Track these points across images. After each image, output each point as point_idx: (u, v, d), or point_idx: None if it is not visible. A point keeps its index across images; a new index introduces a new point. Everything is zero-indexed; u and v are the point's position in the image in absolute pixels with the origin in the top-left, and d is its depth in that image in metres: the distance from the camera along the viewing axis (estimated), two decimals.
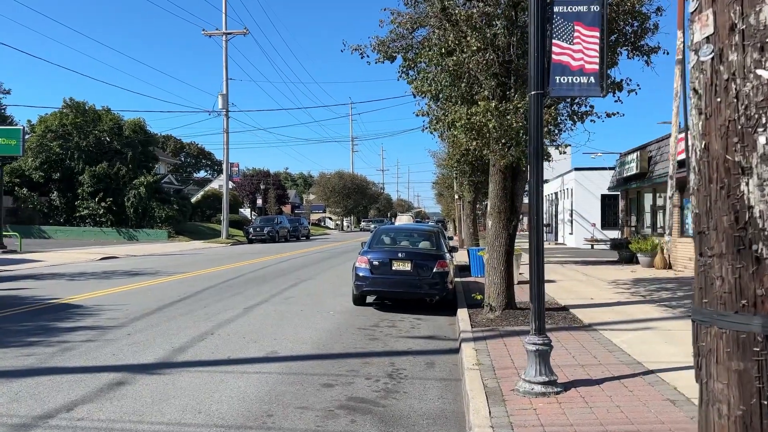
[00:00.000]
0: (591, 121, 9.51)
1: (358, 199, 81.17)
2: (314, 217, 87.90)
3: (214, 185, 72.11)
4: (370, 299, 11.73)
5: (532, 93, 5.52)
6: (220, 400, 5.49)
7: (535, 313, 5.50)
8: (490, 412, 4.92)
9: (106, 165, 40.38)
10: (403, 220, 60.52)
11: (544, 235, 33.56)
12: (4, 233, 27.43)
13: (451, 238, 24.77)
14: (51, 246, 31.20)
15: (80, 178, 40.44)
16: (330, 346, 7.96)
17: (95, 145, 41.11)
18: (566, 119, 9.76)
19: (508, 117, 8.09)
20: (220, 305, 11.24)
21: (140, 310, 10.58)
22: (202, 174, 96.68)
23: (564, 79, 5.55)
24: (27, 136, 42.01)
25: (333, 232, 72.14)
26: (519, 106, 8.14)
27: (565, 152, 9.37)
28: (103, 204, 40.30)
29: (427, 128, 9.95)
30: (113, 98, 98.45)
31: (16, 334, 8.42)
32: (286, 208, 79.73)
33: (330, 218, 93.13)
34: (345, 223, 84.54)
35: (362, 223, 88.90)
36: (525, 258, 16.63)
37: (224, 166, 43.22)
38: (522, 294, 11.15)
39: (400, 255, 10.91)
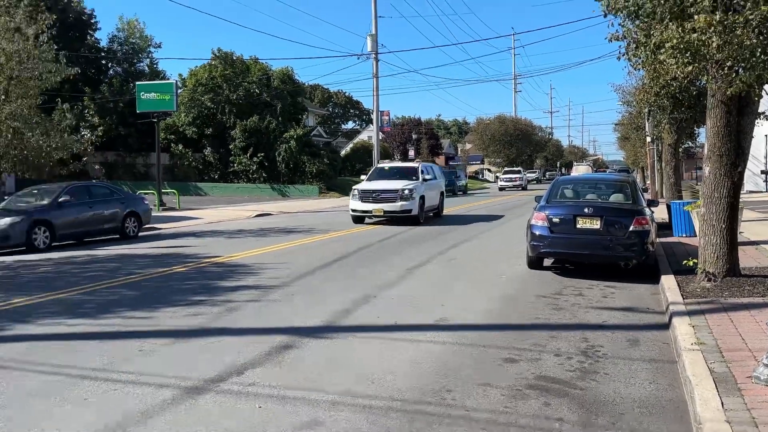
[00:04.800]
0: None
1: (521, 147, 78.75)
2: (471, 169, 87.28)
3: (363, 137, 74.37)
4: (547, 262, 11.29)
5: None
6: (393, 371, 5.55)
7: None
8: (722, 404, 4.42)
9: (256, 118, 43.28)
10: (581, 170, 58.11)
11: (764, 185, 29.99)
12: (162, 191, 30.68)
13: (645, 190, 23.07)
14: (207, 203, 34.36)
15: (232, 133, 43.83)
16: (507, 316, 7.77)
17: (245, 97, 44.13)
18: None
19: (738, 32, 7.05)
20: (379, 266, 11.52)
21: (300, 269, 11.18)
22: (350, 125, 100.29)
23: None
24: (179, 91, 46.33)
25: (493, 186, 71.16)
26: (751, 18, 7.07)
27: None
28: (255, 159, 43.45)
29: (623, 55, 9.07)
30: (261, 47, 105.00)
31: (182, 292, 9.30)
32: (440, 160, 79.96)
33: (489, 170, 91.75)
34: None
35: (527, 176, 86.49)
36: (744, 214, 14.96)
37: (374, 115, 44.15)
38: (745, 258, 10.03)
39: (586, 210, 10.25)
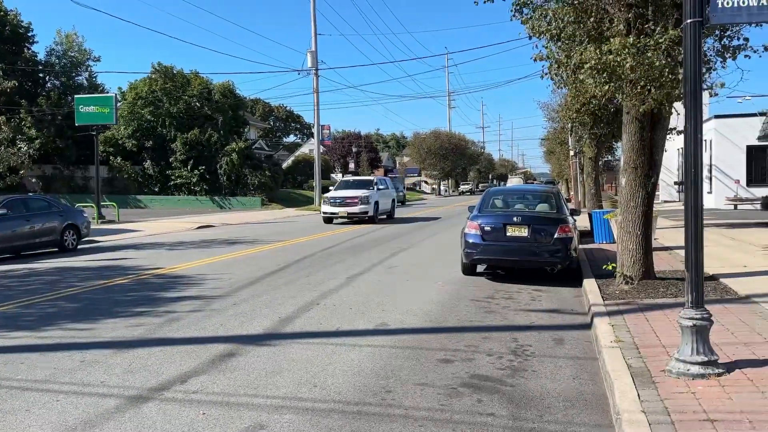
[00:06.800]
0: (745, 56, 8.64)
1: (456, 160, 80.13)
2: (409, 181, 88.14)
3: (305, 150, 74.09)
4: (480, 268, 11.55)
5: (688, 21, 5.01)
6: (335, 374, 5.59)
7: (691, 283, 5.10)
8: (639, 396, 4.66)
9: (197, 131, 42.45)
10: (514, 182, 60.51)
11: (677, 195, 31.35)
12: (101, 203, 29.66)
13: (568, 201, 23.92)
14: (147, 215, 33.42)
15: (173, 146, 42.83)
16: (443, 319, 7.91)
17: (185, 110, 43.26)
18: (714, 56, 8.93)
19: (649, 54, 7.48)
20: (321, 274, 11.51)
21: (243, 279, 11.06)
22: (291, 138, 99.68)
23: (728, 2, 4.98)
24: (119, 104, 45.16)
25: (430, 197, 72.12)
26: (661, 41, 7.51)
27: (717, 94, 8.57)
28: (196, 172, 42.60)
29: (546, 74, 9.44)
30: (201, 61, 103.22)
31: (123, 304, 9.05)
32: (379, 172, 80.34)
33: (426, 182, 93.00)
34: (442, 187, 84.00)
35: (461, 187, 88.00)
36: (659, 222, 15.74)
37: (315, 129, 44.07)
38: (659, 262, 10.54)
39: (515, 219, 10.57)
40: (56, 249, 16.52)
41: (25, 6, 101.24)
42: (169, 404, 4.92)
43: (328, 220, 25.27)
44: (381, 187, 26.96)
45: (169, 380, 5.48)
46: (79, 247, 17.25)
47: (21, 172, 33.86)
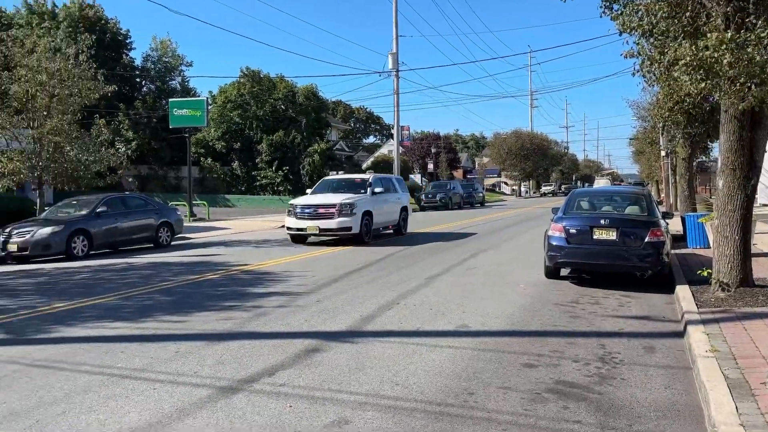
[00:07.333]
0: None
1: (537, 160, 78.40)
2: (488, 182, 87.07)
3: (384, 150, 74.67)
4: (564, 272, 11.26)
5: None
6: (416, 373, 5.62)
7: None
8: (737, 408, 4.42)
9: (282, 133, 43.78)
10: (601, 183, 58.83)
11: None
12: (193, 202, 31.09)
13: (659, 203, 22.94)
14: (235, 214, 34.71)
15: (258, 147, 44.37)
16: (525, 323, 7.77)
17: (271, 113, 44.70)
18: None
19: (749, 50, 7.06)
20: (401, 274, 11.57)
21: (325, 277, 11.28)
22: (371, 139, 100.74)
23: None
24: (209, 107, 47.19)
25: (509, 198, 70.95)
26: (763, 35, 7.08)
27: None
28: (280, 173, 43.94)
29: (637, 72, 9.10)
30: (286, 64, 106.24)
31: (213, 298, 9.45)
32: (458, 173, 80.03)
33: (505, 183, 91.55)
34: (523, 189, 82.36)
35: (543, 188, 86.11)
36: (758, 226, 14.81)
37: (395, 130, 44.34)
38: (758, 269, 9.94)
39: (602, 222, 10.22)
40: (151, 245, 17.48)
41: (124, 14, 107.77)
42: (257, 396, 5.10)
43: (298, 238, 17.47)
44: (378, 189, 18.31)
45: (257, 372, 5.69)
46: (172, 243, 18.16)
47: (119, 172, 35.99)
